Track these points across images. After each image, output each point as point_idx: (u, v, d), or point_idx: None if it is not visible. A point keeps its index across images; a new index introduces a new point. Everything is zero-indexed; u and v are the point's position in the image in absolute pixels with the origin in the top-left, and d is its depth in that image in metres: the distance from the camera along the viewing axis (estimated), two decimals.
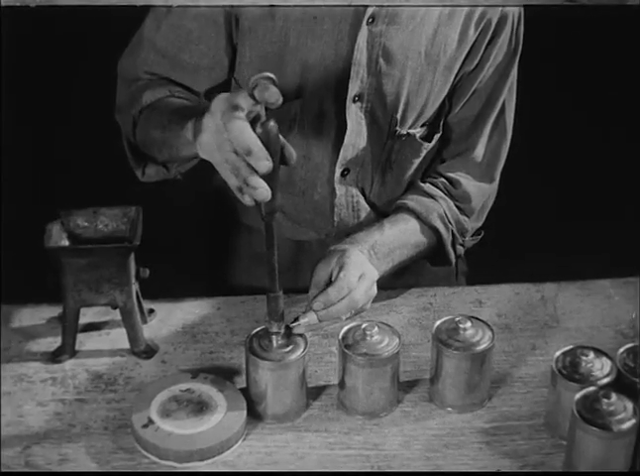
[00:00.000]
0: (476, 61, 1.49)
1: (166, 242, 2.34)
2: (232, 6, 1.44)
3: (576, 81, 2.74)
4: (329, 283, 1.36)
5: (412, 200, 1.54)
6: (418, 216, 1.53)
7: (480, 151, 1.56)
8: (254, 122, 1.13)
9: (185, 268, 1.85)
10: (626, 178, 2.59)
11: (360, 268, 1.38)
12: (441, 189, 1.56)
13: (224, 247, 1.70)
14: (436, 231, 1.53)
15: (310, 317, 1.33)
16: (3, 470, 1.23)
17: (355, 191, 1.57)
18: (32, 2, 1.50)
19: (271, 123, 1.14)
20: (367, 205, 1.60)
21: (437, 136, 1.56)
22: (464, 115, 1.54)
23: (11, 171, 2.46)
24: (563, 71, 2.73)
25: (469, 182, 1.56)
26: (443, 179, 1.57)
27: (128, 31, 1.51)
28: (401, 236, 1.50)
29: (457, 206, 1.56)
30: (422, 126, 1.54)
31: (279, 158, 1.16)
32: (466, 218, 1.57)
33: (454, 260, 1.59)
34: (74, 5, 1.53)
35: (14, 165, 2.50)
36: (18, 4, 1.38)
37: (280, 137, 1.15)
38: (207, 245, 1.78)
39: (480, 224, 1.62)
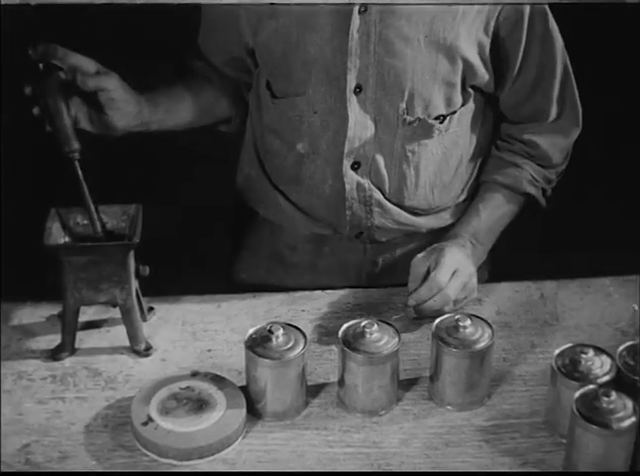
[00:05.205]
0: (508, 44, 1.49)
1: (167, 240, 2.33)
2: (231, 5, 1.44)
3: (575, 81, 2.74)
4: (424, 280, 1.45)
5: (500, 175, 1.60)
6: (510, 189, 1.59)
7: (552, 110, 1.58)
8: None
9: (184, 266, 1.85)
10: (626, 178, 2.59)
11: (453, 265, 1.46)
12: (521, 155, 1.60)
13: (238, 244, 1.71)
14: (529, 195, 1.61)
15: (407, 313, 1.47)
16: (3, 468, 1.23)
17: (367, 185, 1.56)
18: (32, 0, 1.49)
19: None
20: (385, 201, 1.57)
21: (450, 117, 1.53)
22: (519, 85, 1.55)
23: (11, 170, 2.45)
24: None
25: (546, 141, 1.60)
26: (520, 144, 1.60)
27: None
28: (497, 213, 1.59)
29: (539, 165, 1.61)
30: (436, 119, 1.51)
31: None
32: (551, 170, 1.63)
33: (545, 204, 1.65)
34: (74, 4, 1.53)
35: (14, 164, 2.49)
36: (17, 2, 1.38)
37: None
38: (212, 242, 1.78)
39: (565, 166, 1.65)
